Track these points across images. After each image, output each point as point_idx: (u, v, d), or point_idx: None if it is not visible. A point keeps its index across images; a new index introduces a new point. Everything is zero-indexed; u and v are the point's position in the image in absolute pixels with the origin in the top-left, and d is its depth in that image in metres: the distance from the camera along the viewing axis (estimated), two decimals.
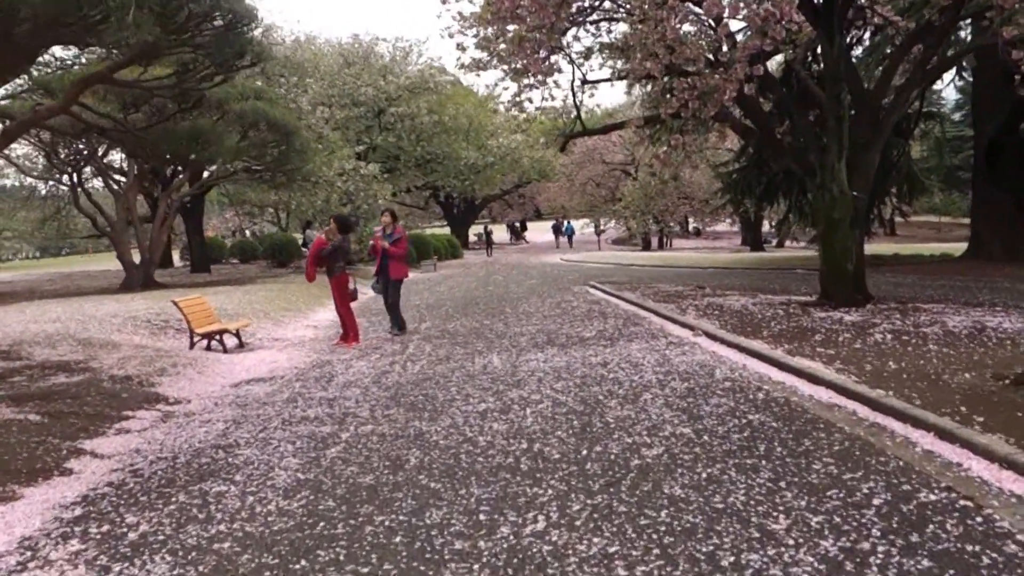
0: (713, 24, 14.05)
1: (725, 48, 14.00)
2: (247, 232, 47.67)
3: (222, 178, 29.86)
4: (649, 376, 10.07)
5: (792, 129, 17.54)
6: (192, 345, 14.84)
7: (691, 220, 63.19)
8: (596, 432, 7.55)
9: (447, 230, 65.21)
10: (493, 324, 16.34)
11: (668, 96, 13.95)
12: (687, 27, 15.44)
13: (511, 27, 13.44)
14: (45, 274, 41.57)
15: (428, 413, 8.89)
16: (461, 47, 15.97)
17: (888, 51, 22.15)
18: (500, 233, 76.66)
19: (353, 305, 15.65)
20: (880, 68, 22.78)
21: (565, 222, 67.90)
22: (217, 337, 15.03)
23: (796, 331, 12.72)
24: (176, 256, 44.32)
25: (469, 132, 45.30)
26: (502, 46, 16.29)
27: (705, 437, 7.13)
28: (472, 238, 68.02)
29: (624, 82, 23.59)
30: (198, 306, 15.47)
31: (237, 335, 15.59)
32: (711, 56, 14.69)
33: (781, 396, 8.63)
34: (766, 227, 55.75)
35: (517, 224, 79.86)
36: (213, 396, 10.86)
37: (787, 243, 56.31)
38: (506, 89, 22.26)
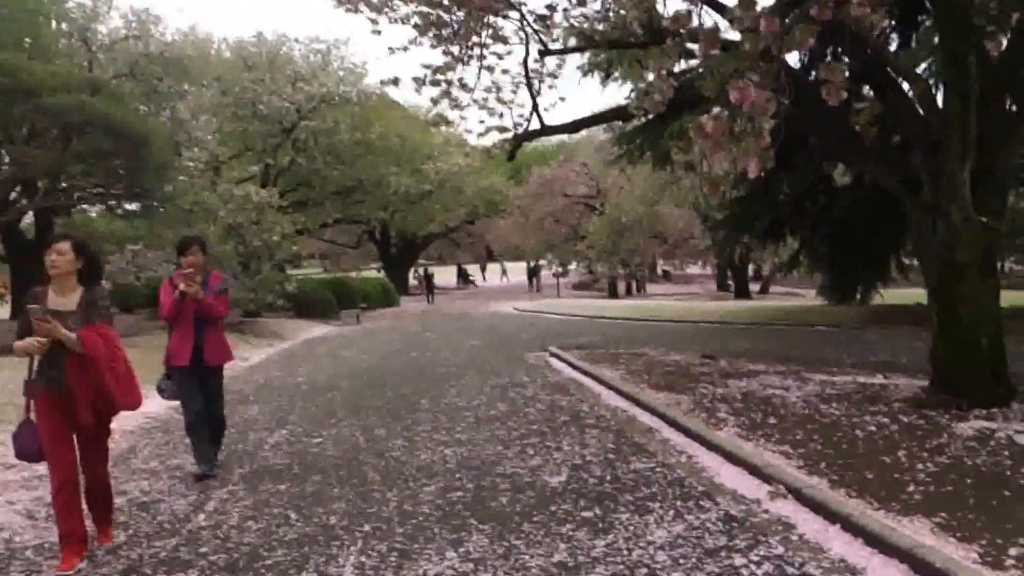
0: None
1: None
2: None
3: (47, 201, 22.69)
4: None
5: (882, 118, 11.05)
6: None
7: (660, 262, 56.79)
8: None
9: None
10: (390, 440, 9.54)
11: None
12: None
13: None
14: None
15: None
16: None
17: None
18: (448, 276, 70.00)
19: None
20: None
21: (532, 263, 61.37)
22: None
23: (965, 484, 6.36)
24: None
25: (401, 154, 38.44)
26: None
27: None
28: (412, 282, 60.95)
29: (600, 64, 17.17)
30: None
31: None
32: None
33: None
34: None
35: (466, 268, 72.99)
36: None
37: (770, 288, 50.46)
38: (428, 68, 16.33)
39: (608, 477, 7.30)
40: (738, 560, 5.22)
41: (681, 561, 5.26)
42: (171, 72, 26.08)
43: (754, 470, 7.05)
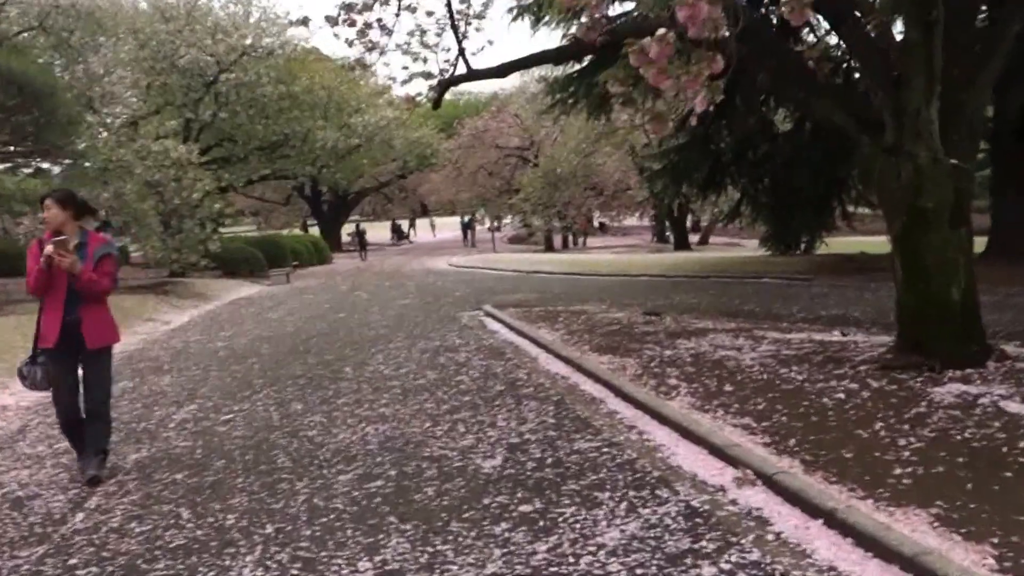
0: None
1: None
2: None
3: None
4: None
5: (834, 57, 10.22)
6: None
7: (596, 215, 55.84)
8: None
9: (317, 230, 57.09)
10: (307, 416, 8.55)
11: None
12: None
13: None
14: None
15: None
16: None
17: None
18: (382, 232, 68.79)
19: None
20: None
21: (467, 218, 60.29)
22: None
23: (957, 464, 5.52)
24: None
25: (328, 107, 37.05)
26: None
27: None
28: (345, 238, 59.47)
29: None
30: None
31: None
32: None
33: None
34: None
35: (400, 223, 71.71)
36: None
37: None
38: (342, 6, 14.89)
39: (549, 460, 6.40)
40: (707, 570, 4.35)
41: (639, 571, 4.39)
42: (82, 24, 24.53)
43: (715, 450, 6.19)
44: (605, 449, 6.59)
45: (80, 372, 6.85)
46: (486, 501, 5.57)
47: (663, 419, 7.21)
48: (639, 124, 6.81)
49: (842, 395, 7.48)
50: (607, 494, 5.55)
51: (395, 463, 6.60)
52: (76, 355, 6.73)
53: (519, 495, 5.64)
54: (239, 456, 7.18)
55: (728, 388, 8.13)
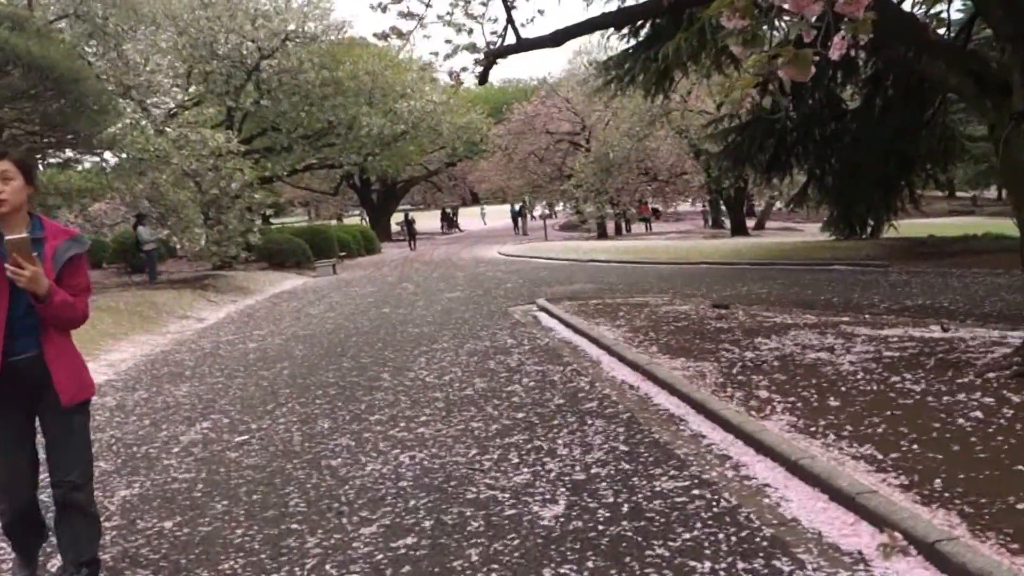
0: None
1: None
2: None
3: None
4: None
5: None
6: None
7: (649, 200, 54.33)
8: None
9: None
10: (333, 437, 7.22)
11: None
12: None
13: None
14: None
15: None
16: None
17: None
18: (432, 221, 67.96)
19: None
20: None
21: (518, 205, 59.02)
22: None
23: None
24: None
25: (372, 93, 36.09)
26: None
27: None
28: (395, 228, 58.51)
29: None
30: None
31: None
32: None
33: None
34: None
35: (449, 211, 70.54)
36: None
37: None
38: None
39: (624, 507, 5.04)
40: None
41: None
42: (117, 11, 23.68)
43: (838, 495, 4.81)
44: (695, 491, 5.21)
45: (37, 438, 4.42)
46: (547, 574, 4.24)
47: (762, 447, 5.83)
48: (761, 73, 4.95)
49: (979, 413, 6.06)
50: (707, 564, 4.16)
51: (432, 509, 5.29)
52: (27, 412, 4.30)
53: (590, 564, 4.28)
54: (245, 496, 5.92)
55: (833, 403, 6.73)
